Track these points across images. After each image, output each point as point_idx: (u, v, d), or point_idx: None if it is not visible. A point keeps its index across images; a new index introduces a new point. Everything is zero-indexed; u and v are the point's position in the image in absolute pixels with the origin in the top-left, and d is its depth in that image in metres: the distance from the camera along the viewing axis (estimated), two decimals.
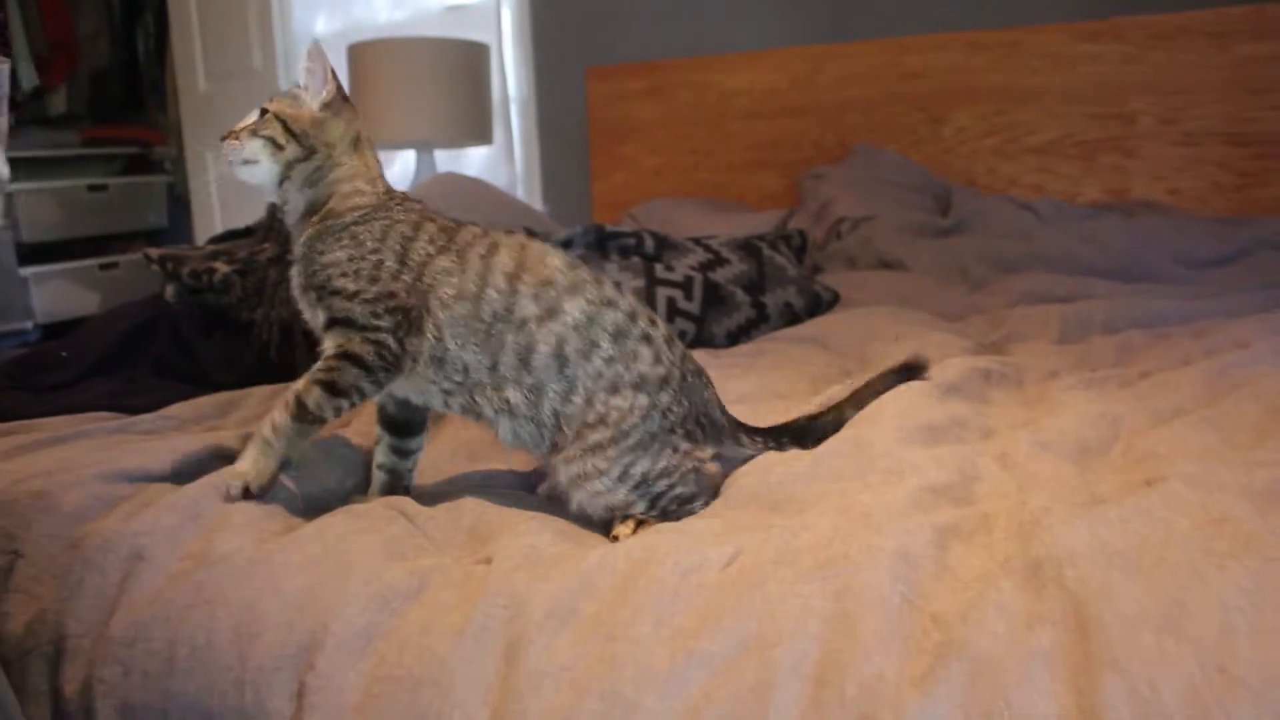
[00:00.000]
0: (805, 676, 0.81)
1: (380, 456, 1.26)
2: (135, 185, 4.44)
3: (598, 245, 1.99)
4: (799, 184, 3.29)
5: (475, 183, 2.77)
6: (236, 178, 1.19)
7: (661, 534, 1.07)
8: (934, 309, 2.14)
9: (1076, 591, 0.85)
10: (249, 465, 1.15)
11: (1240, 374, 1.45)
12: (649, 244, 2.03)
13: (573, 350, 1.15)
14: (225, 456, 1.30)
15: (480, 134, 3.40)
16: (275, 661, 0.92)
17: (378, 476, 1.26)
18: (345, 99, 1.23)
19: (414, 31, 3.91)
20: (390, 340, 1.14)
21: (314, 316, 1.20)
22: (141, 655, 0.99)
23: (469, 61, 3.33)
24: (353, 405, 1.16)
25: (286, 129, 1.18)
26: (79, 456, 1.29)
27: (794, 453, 1.28)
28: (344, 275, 1.16)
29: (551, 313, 1.15)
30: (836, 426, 1.33)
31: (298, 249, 1.21)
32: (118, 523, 1.11)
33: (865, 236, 2.67)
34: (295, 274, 1.22)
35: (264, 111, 1.20)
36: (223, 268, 1.89)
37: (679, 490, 1.18)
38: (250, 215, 3.86)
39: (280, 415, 1.14)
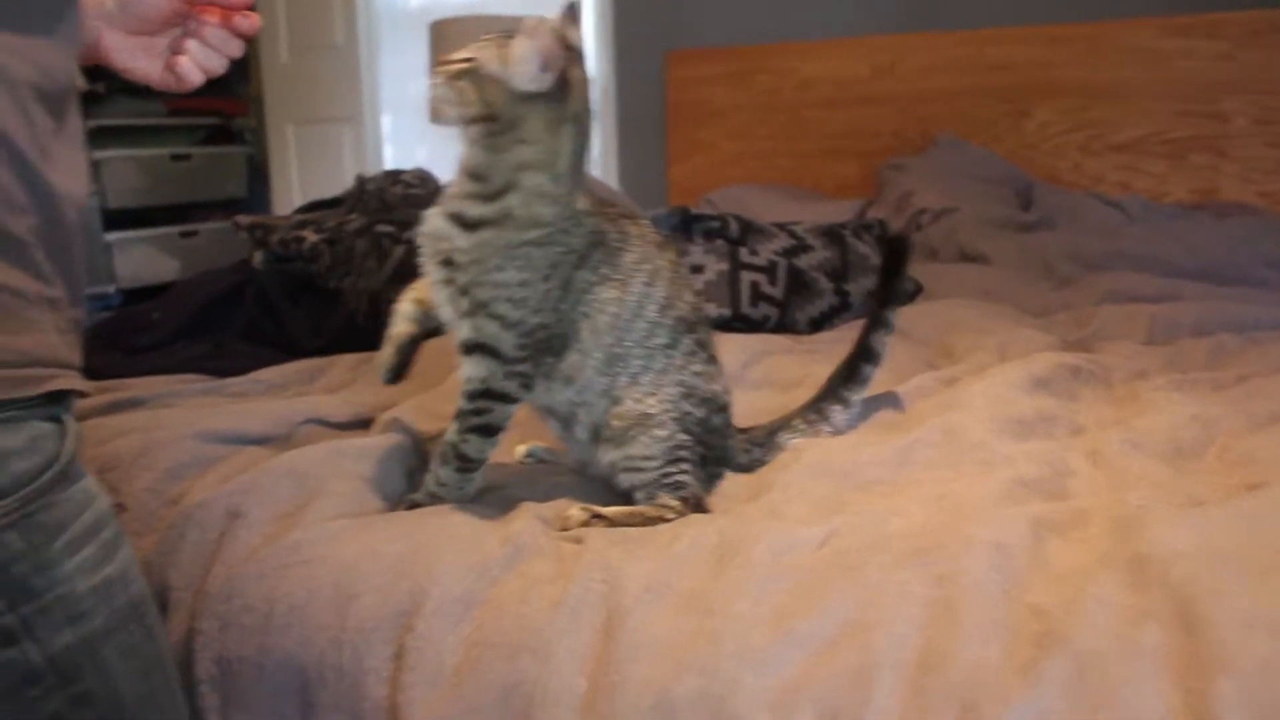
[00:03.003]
0: (907, 662, 0.80)
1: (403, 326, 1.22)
2: (216, 155, 4.50)
3: (682, 227, 1.99)
4: (878, 174, 3.26)
5: None
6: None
7: (752, 514, 1.07)
8: (1017, 304, 2.11)
9: (1183, 590, 0.84)
10: None
11: None
12: (733, 228, 2.02)
13: (674, 368, 1.16)
14: (318, 421, 1.32)
15: None
16: (374, 622, 0.93)
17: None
18: (567, 83, 1.08)
19: (496, 9, 3.92)
20: (529, 368, 1.13)
21: (449, 310, 1.14)
22: (238, 610, 1.00)
23: None
24: (504, 433, 1.15)
25: (478, 90, 1.07)
26: (175, 416, 1.32)
27: (883, 436, 1.29)
28: (510, 301, 1.10)
29: (674, 343, 1.16)
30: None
31: (454, 207, 1.12)
32: (216, 482, 1.14)
33: (948, 229, 2.64)
34: (435, 238, 1.13)
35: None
36: (311, 236, 1.92)
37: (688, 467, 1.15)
38: (327, 186, 3.91)
39: (443, 471, 1.13)
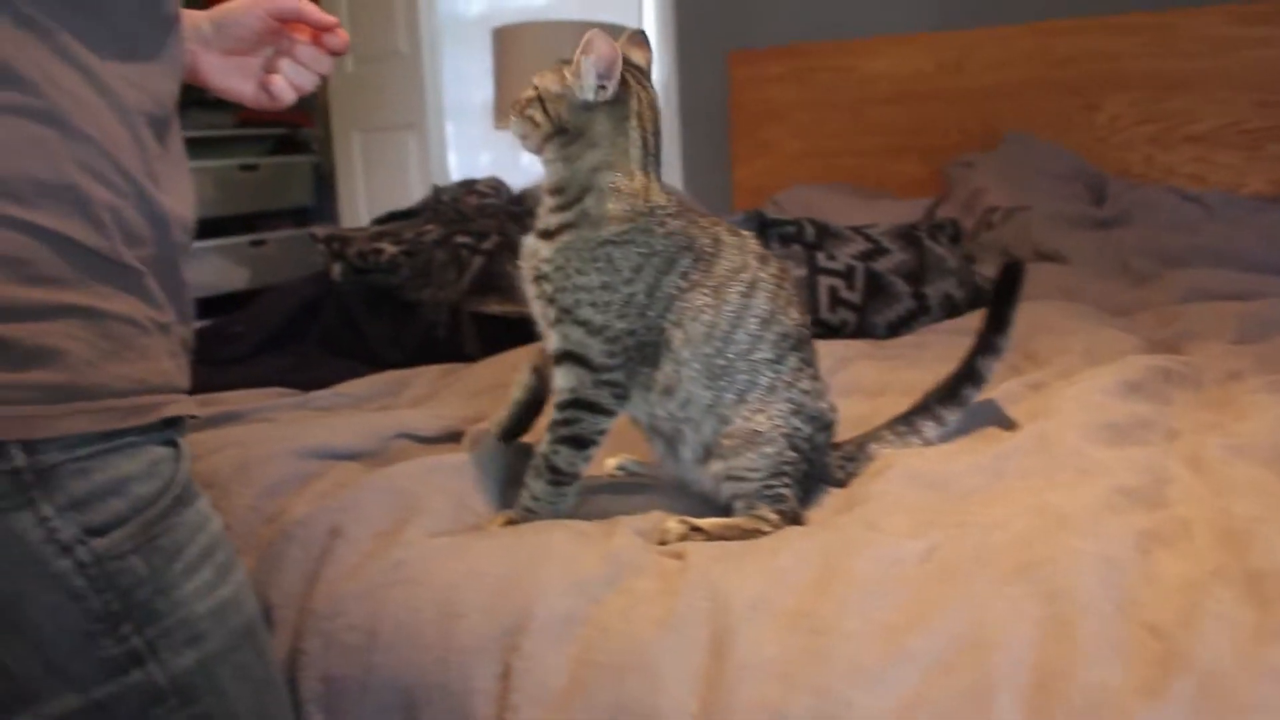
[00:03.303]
0: (1024, 682, 0.79)
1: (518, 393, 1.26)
2: (284, 165, 4.56)
3: (759, 232, 1.98)
4: (946, 171, 3.22)
5: None
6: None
7: (851, 527, 1.07)
8: (1097, 303, 2.08)
9: None
10: None
11: None
12: (810, 232, 2.01)
13: (782, 384, 1.15)
14: (408, 436, 1.33)
15: None
16: (479, 642, 0.94)
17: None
18: (626, 86, 1.13)
19: (557, 15, 3.94)
20: (621, 377, 1.13)
21: (542, 323, 1.17)
22: (342, 629, 1.01)
23: None
24: (599, 448, 1.16)
25: (544, 110, 1.13)
26: (270, 431, 1.34)
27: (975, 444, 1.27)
28: (593, 305, 1.12)
29: (780, 359, 1.15)
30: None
31: (541, 224, 1.16)
32: (314, 499, 1.15)
33: (1021, 227, 2.60)
34: (528, 258, 1.17)
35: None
36: (389, 248, 1.93)
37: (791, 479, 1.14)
38: (393, 192, 3.95)
39: (536, 485, 1.14)
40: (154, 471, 0.82)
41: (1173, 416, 1.39)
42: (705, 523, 1.09)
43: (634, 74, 1.15)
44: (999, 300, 1.33)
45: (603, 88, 1.11)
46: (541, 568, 0.98)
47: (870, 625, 0.86)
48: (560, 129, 1.12)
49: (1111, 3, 3.14)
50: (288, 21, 1.12)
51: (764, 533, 1.09)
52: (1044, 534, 0.99)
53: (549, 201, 1.15)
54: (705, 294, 1.13)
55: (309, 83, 1.15)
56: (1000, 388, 1.47)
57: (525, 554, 1.01)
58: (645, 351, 1.13)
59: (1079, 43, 3.16)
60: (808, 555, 0.97)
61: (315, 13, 1.12)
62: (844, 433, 1.30)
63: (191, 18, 1.10)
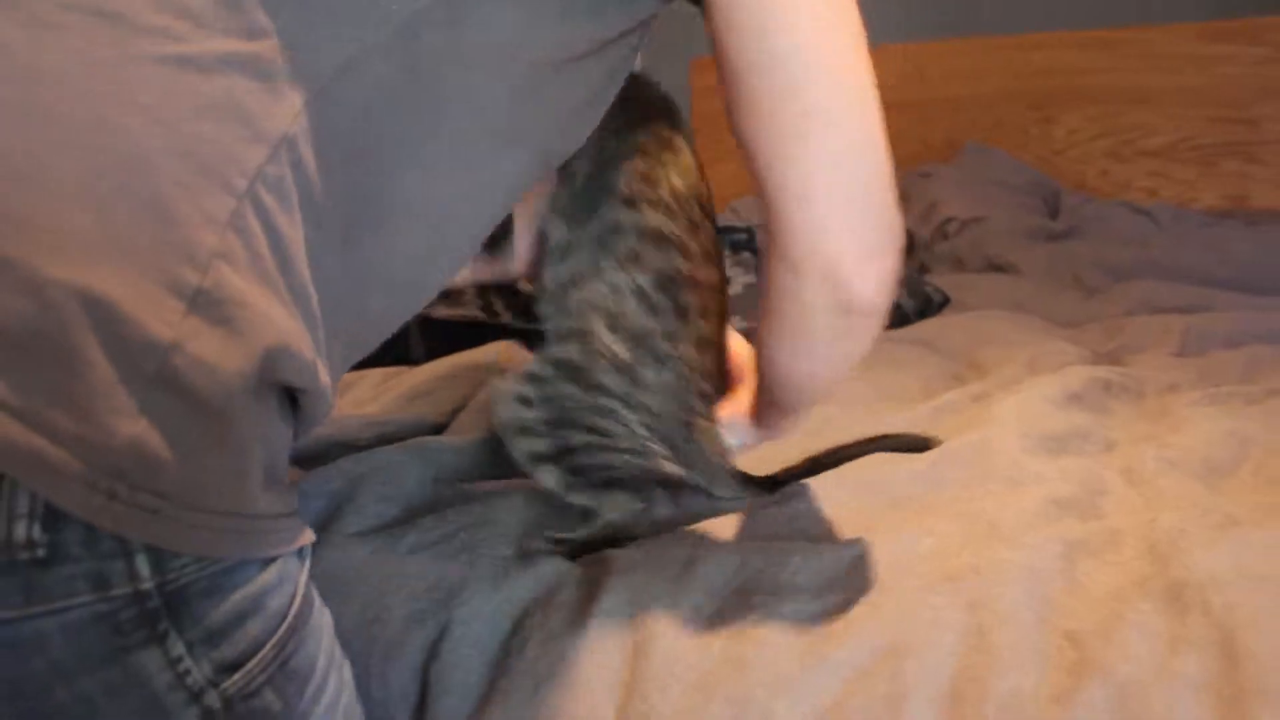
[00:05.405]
0: (940, 691, 0.79)
1: None
2: None
3: None
4: (904, 182, 3.24)
5: None
6: None
7: (780, 531, 1.06)
8: (1046, 315, 2.08)
9: (1224, 618, 0.82)
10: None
11: None
12: (760, 240, 2.01)
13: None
14: (346, 445, 1.32)
15: None
16: (400, 650, 0.92)
17: None
18: None
19: None
20: None
21: None
22: None
23: None
24: None
25: None
26: None
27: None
28: None
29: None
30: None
31: None
32: None
33: (975, 238, 2.62)
34: None
35: None
36: None
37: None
38: None
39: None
40: (285, 574, 0.68)
41: (1111, 428, 1.40)
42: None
43: None
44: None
45: None
46: (465, 573, 0.97)
47: (791, 634, 0.86)
48: None
49: (1077, 17, 3.16)
50: None
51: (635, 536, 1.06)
52: (972, 543, 0.99)
53: None
54: None
55: None
56: (942, 398, 1.48)
57: (450, 561, 1.00)
58: None
59: (1042, 56, 3.18)
60: (728, 563, 0.96)
61: None
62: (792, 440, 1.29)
63: None
